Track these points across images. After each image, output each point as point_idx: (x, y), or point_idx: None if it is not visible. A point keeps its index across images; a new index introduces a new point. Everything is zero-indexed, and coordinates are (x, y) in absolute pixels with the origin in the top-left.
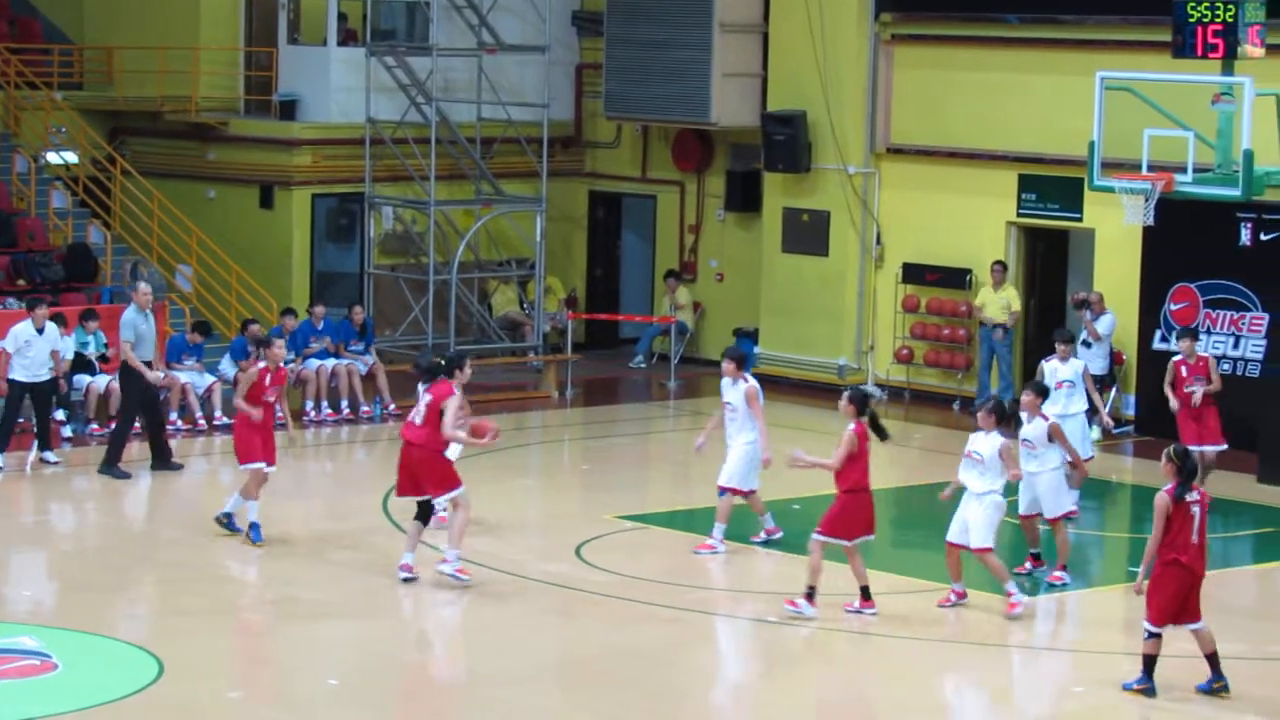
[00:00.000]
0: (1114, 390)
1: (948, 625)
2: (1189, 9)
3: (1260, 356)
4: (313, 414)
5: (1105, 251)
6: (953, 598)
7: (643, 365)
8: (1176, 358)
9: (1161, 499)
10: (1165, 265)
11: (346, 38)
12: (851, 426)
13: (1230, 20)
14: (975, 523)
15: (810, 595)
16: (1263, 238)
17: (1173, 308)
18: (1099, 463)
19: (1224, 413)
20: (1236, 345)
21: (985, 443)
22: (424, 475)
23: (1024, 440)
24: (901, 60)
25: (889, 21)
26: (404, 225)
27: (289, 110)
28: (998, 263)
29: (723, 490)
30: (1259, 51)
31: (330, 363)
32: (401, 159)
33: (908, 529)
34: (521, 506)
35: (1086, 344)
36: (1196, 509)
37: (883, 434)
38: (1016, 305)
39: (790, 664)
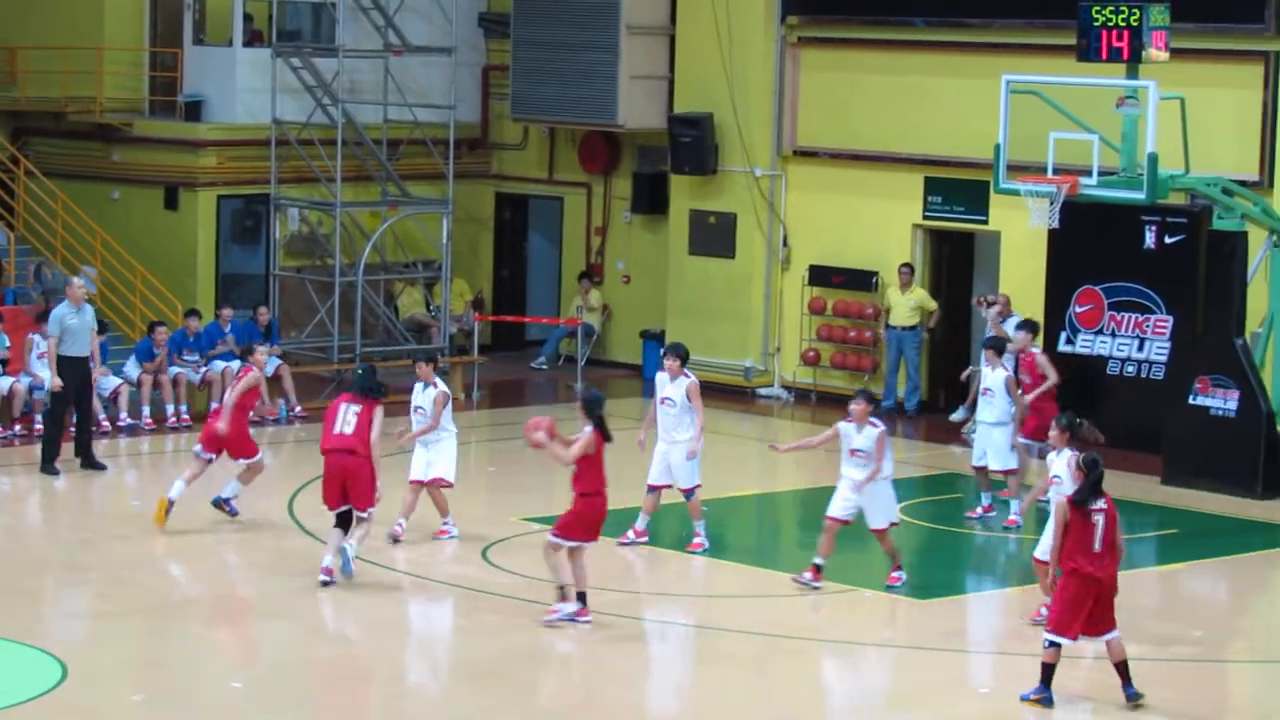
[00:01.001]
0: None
1: (851, 626)
2: (1094, 13)
3: (1164, 359)
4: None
5: (1011, 254)
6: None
7: (544, 366)
8: (1033, 350)
9: (1060, 504)
10: (1070, 268)
11: (252, 38)
12: (589, 429)
13: (1135, 24)
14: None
15: (563, 594)
16: (1167, 240)
17: (1078, 310)
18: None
19: (1128, 414)
20: (1141, 348)
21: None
22: (356, 486)
23: (854, 450)
24: (808, 63)
25: (795, 24)
26: (310, 227)
27: (194, 111)
28: (904, 265)
29: (688, 493)
30: (1163, 55)
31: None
32: (307, 160)
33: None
34: (427, 509)
35: None
36: (1100, 517)
37: (607, 436)
38: (931, 305)
39: (699, 665)
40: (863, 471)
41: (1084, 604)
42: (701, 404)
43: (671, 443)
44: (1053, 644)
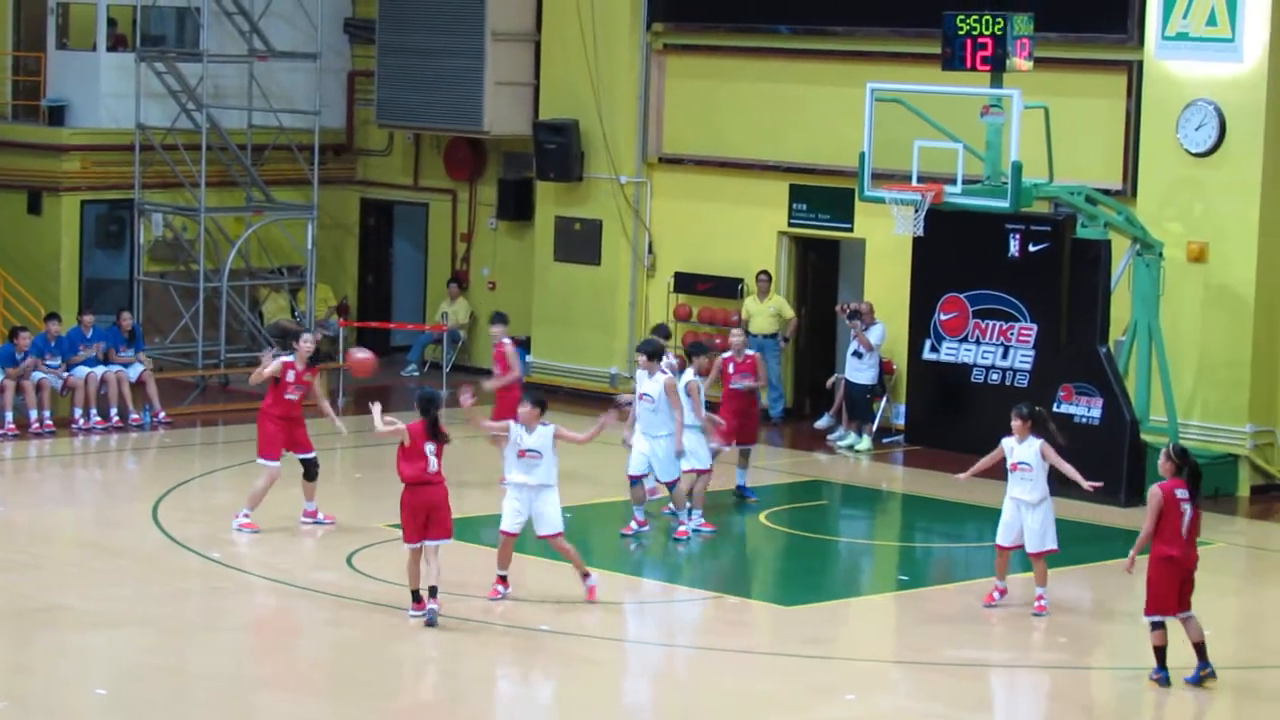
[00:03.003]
0: (884, 400)
1: (720, 634)
2: (958, 22)
3: (1028, 367)
4: (81, 421)
5: (876, 261)
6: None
7: (415, 373)
8: (726, 354)
9: (1155, 493)
10: (935, 275)
11: (116, 43)
12: (407, 425)
13: (999, 34)
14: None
15: (431, 593)
16: (1031, 249)
17: (942, 318)
18: (870, 471)
19: (993, 423)
20: (1005, 355)
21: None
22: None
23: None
24: (674, 70)
25: (661, 31)
26: (174, 232)
27: (58, 116)
28: (762, 272)
29: (671, 484)
30: (1027, 65)
31: (100, 370)
32: (172, 165)
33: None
34: (292, 515)
35: (858, 354)
36: (1188, 506)
37: (441, 437)
38: (789, 312)
39: (559, 672)
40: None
41: (1175, 586)
42: (678, 398)
43: (653, 438)
44: (1156, 626)
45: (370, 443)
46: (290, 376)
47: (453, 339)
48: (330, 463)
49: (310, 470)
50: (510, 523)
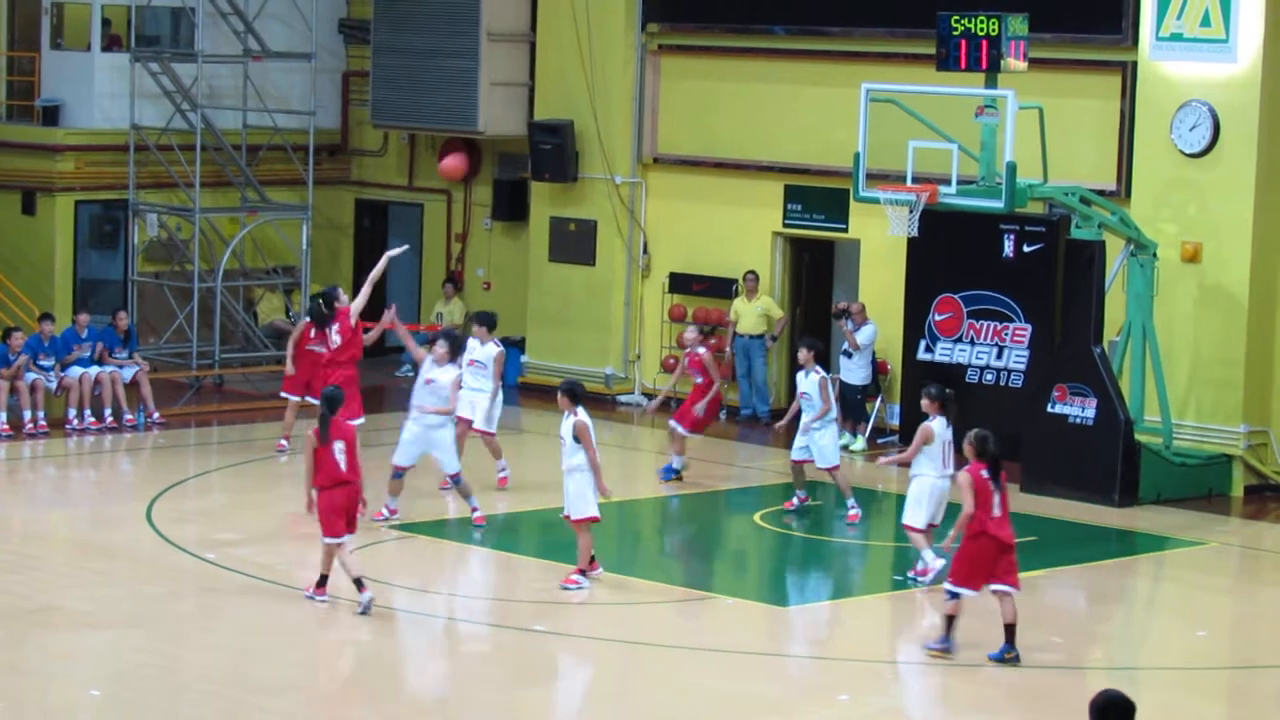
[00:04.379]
0: (878, 400)
1: (713, 635)
2: (953, 22)
3: (1023, 367)
4: (75, 422)
5: (870, 262)
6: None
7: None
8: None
9: (964, 476)
10: (929, 276)
11: (111, 43)
12: (313, 429)
13: (993, 34)
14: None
15: (320, 581)
16: (1025, 249)
17: (937, 318)
18: (864, 471)
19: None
20: (1000, 356)
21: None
22: None
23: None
24: (669, 70)
25: (656, 32)
26: (168, 232)
27: (52, 116)
28: (750, 273)
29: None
30: (1021, 65)
31: (94, 370)
32: (166, 166)
33: (673, 537)
34: (285, 516)
35: (848, 354)
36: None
37: (324, 441)
38: (778, 312)
39: (556, 673)
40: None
41: (987, 562)
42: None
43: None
44: (953, 595)
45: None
46: (312, 333)
47: None
48: None
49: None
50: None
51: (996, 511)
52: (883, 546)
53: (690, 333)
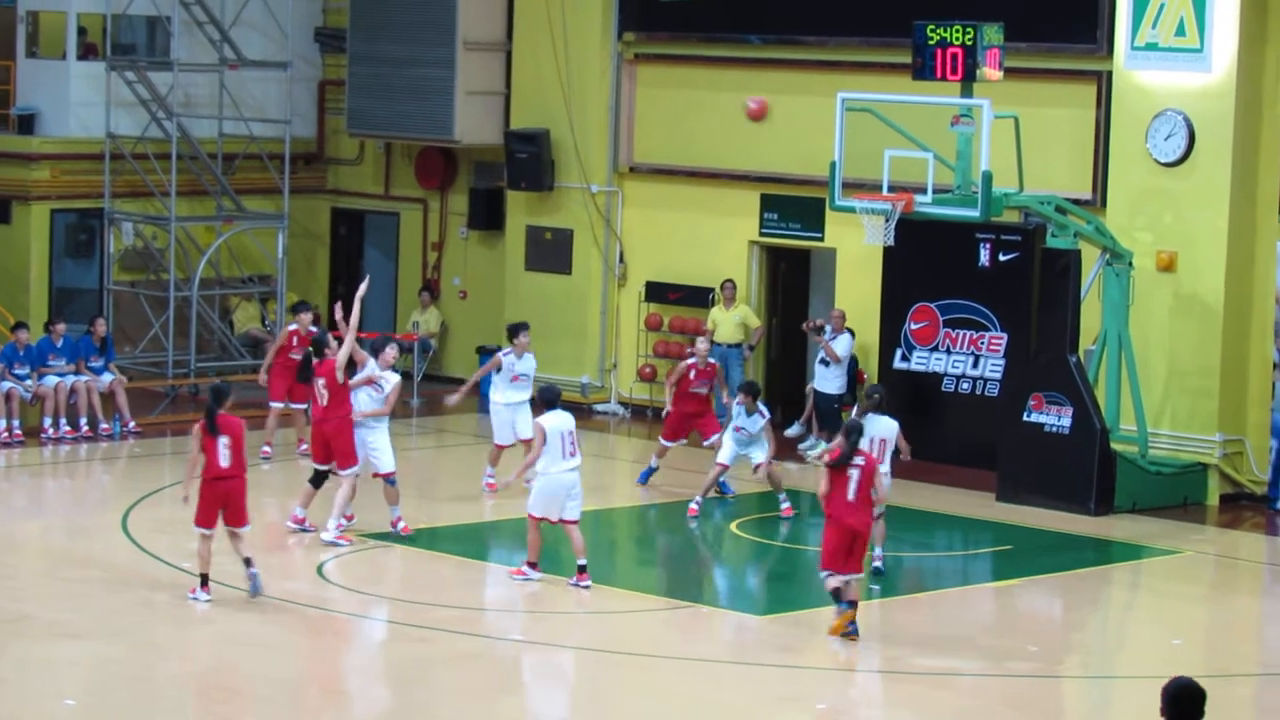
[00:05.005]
0: (854, 409)
1: (690, 643)
2: (929, 32)
3: (999, 376)
4: (51, 431)
5: (846, 271)
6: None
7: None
8: (690, 360)
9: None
10: (905, 285)
11: (86, 52)
12: (199, 423)
13: (969, 44)
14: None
15: (246, 563)
16: (1001, 258)
17: (913, 327)
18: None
19: (963, 431)
20: (976, 365)
21: None
22: None
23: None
24: (645, 79)
25: (632, 41)
26: (144, 241)
27: (27, 124)
28: (727, 281)
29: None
30: (997, 74)
31: (70, 379)
32: (142, 174)
33: (650, 547)
34: (262, 525)
35: (825, 362)
36: (855, 471)
37: (212, 434)
38: (755, 321)
39: (532, 682)
40: None
41: (843, 545)
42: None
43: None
44: (829, 577)
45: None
46: (294, 341)
47: (424, 348)
48: (300, 473)
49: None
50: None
51: (851, 497)
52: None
53: (702, 344)
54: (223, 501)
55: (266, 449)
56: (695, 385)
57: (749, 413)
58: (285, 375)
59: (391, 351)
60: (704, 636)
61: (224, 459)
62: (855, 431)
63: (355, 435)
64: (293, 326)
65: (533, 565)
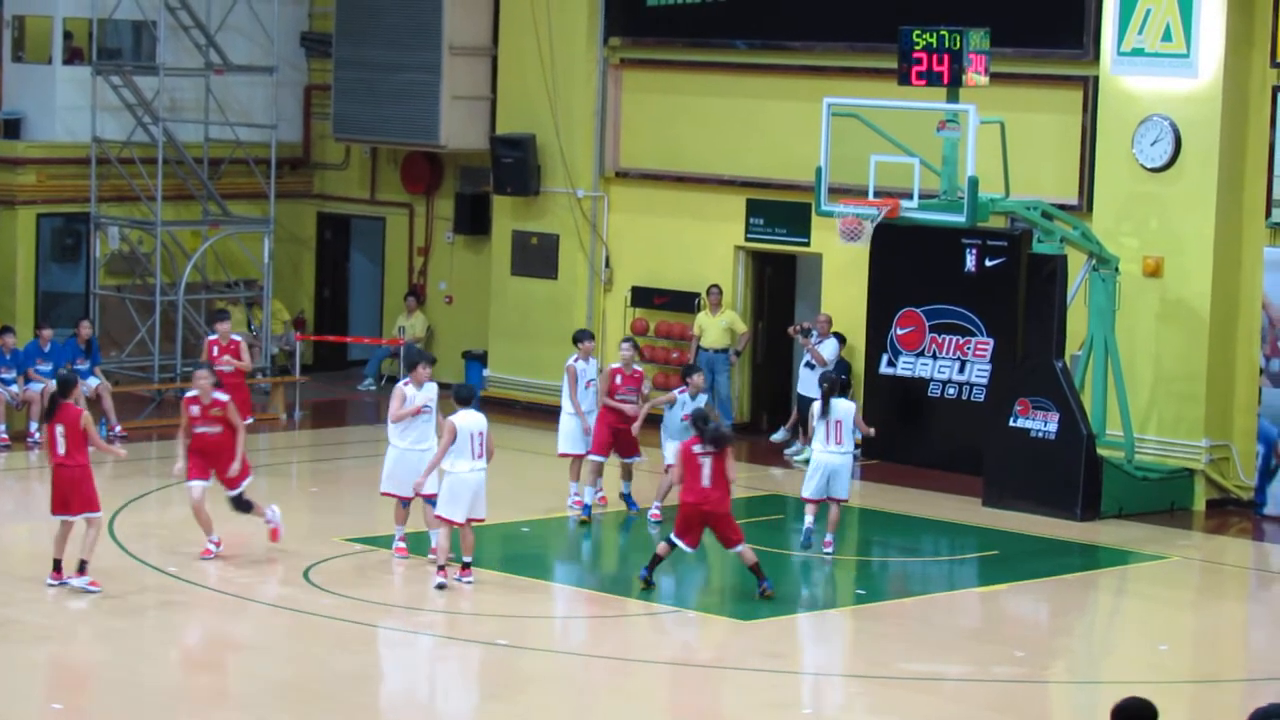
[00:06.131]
0: None
1: (677, 648)
2: (915, 37)
3: (985, 381)
4: (37, 435)
5: (832, 276)
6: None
7: (372, 388)
8: (613, 365)
9: (678, 449)
10: (891, 290)
11: (72, 56)
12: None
13: (955, 49)
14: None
15: (79, 567)
16: (987, 263)
17: (899, 332)
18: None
19: (950, 437)
20: (962, 370)
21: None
22: None
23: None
24: (631, 84)
25: (618, 46)
26: (130, 246)
27: (13, 129)
28: (714, 287)
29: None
30: (983, 80)
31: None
32: (128, 179)
33: (636, 551)
34: (248, 529)
35: (810, 366)
36: (705, 459)
37: (50, 421)
38: (742, 327)
39: (519, 687)
40: None
41: (690, 522)
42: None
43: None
44: (670, 543)
45: (326, 457)
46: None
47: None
48: (286, 478)
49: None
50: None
51: (706, 482)
52: (845, 560)
53: (626, 349)
54: (64, 489)
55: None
56: (622, 392)
57: (693, 396)
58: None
59: (425, 370)
60: (689, 641)
61: (60, 447)
62: (701, 420)
63: (400, 459)
64: (212, 337)
65: (442, 569)
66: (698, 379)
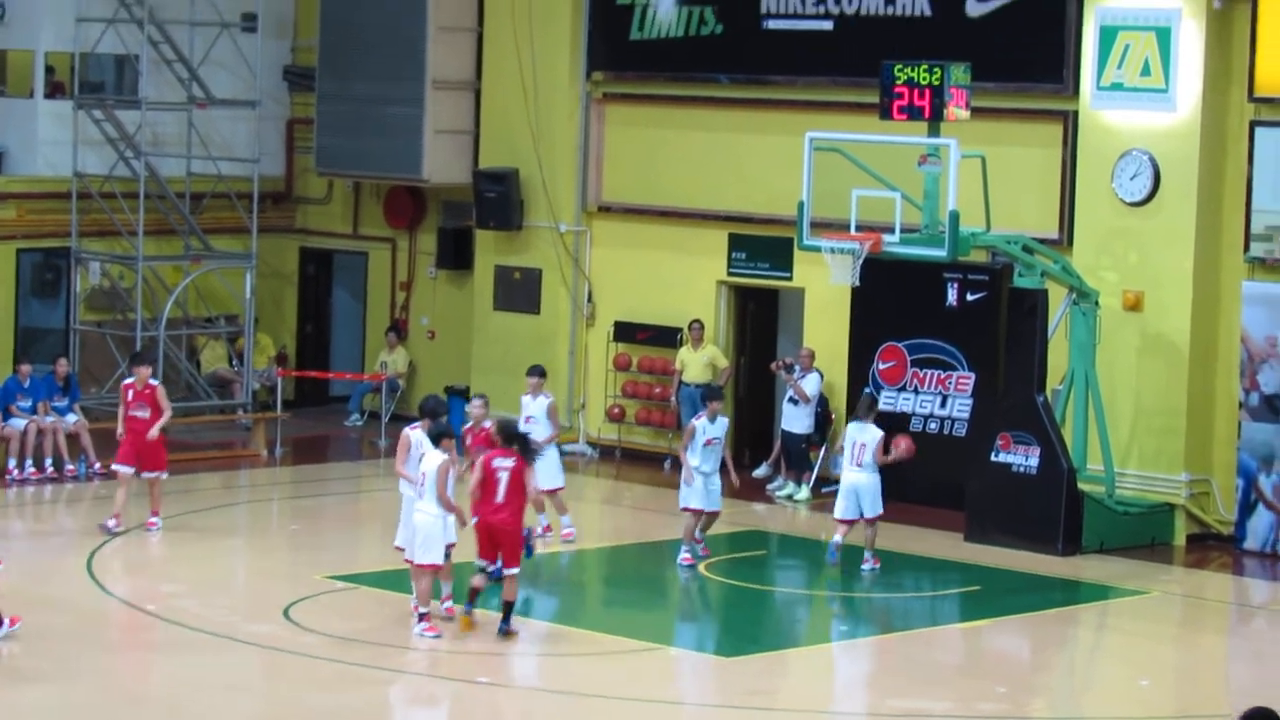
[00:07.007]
0: (822, 450)
1: (660, 685)
2: (896, 72)
3: (967, 415)
4: (16, 473)
5: (815, 311)
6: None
7: (359, 423)
8: (466, 424)
9: (478, 464)
10: (873, 324)
11: (54, 90)
12: None
13: (936, 83)
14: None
15: None
16: (969, 298)
17: (881, 366)
18: (808, 521)
19: (931, 471)
20: (944, 404)
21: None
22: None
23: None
24: (613, 119)
25: (601, 80)
26: (111, 281)
27: None
28: (695, 321)
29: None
30: (964, 114)
31: (41, 419)
32: (109, 213)
33: (618, 588)
34: (228, 567)
35: (793, 401)
36: (504, 474)
37: None
38: (723, 362)
39: None
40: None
41: (485, 539)
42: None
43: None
44: (480, 569)
45: (307, 494)
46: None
47: (391, 388)
48: (267, 515)
49: None
50: None
51: (500, 498)
52: (827, 597)
53: (477, 407)
54: None
55: (113, 521)
56: (475, 454)
57: (712, 419)
58: (134, 439)
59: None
60: (670, 679)
61: None
62: (503, 432)
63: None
64: (129, 380)
65: (423, 616)
66: (716, 404)
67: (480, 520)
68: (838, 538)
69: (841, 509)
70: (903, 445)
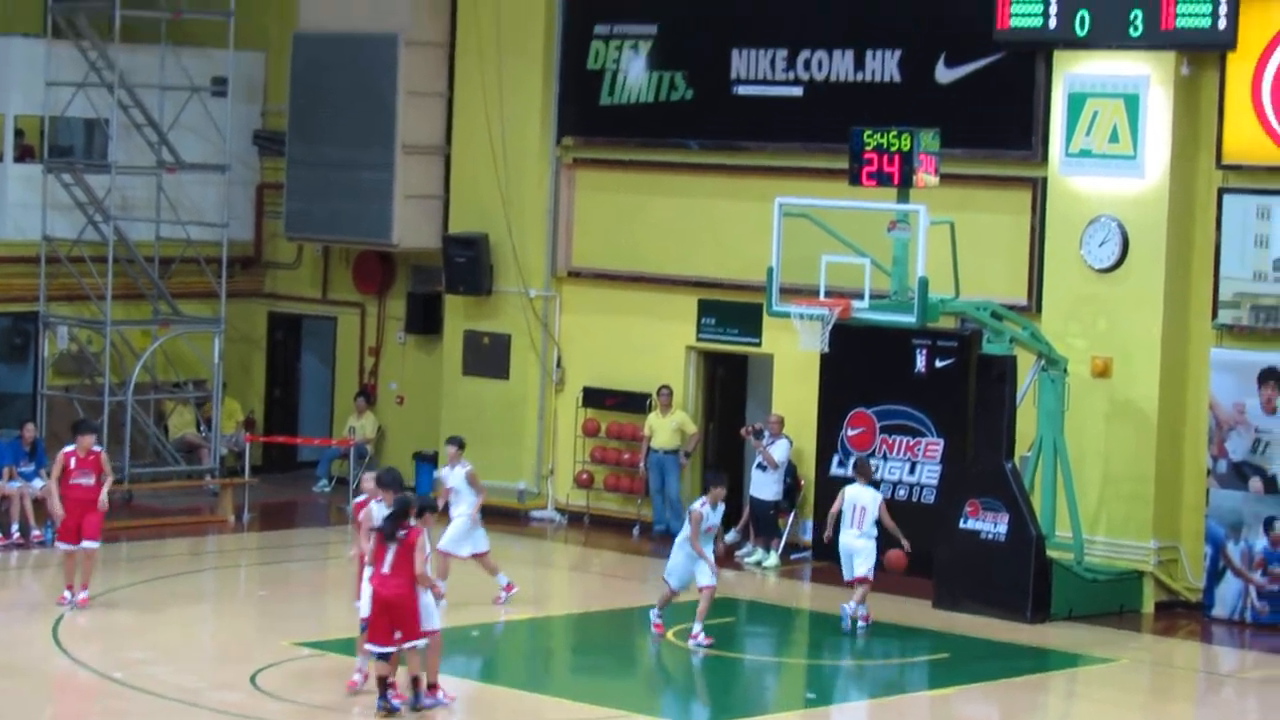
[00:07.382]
0: (791, 516)
1: None
2: (865, 138)
3: (935, 482)
4: None
5: (784, 377)
6: None
7: (327, 489)
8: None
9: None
10: (842, 391)
11: (23, 154)
12: None
13: (905, 149)
14: None
15: None
16: (938, 364)
17: (850, 433)
18: (777, 588)
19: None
20: (913, 471)
21: None
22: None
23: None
24: (583, 184)
25: (571, 145)
26: (79, 345)
27: None
28: (663, 387)
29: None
30: (934, 180)
31: (16, 484)
32: (78, 278)
33: (586, 655)
34: (195, 634)
35: (762, 467)
36: (393, 545)
37: None
38: (692, 428)
39: None
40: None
41: (378, 616)
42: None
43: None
44: (379, 656)
45: (275, 560)
46: (73, 463)
47: (360, 454)
48: (234, 581)
49: None
50: None
51: (386, 569)
52: (796, 664)
53: (368, 480)
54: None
55: (66, 594)
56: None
57: (714, 506)
58: (74, 510)
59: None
60: None
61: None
62: (399, 504)
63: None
64: (70, 448)
65: (433, 687)
66: (717, 490)
67: (375, 591)
68: (849, 604)
69: (844, 572)
70: (893, 559)
